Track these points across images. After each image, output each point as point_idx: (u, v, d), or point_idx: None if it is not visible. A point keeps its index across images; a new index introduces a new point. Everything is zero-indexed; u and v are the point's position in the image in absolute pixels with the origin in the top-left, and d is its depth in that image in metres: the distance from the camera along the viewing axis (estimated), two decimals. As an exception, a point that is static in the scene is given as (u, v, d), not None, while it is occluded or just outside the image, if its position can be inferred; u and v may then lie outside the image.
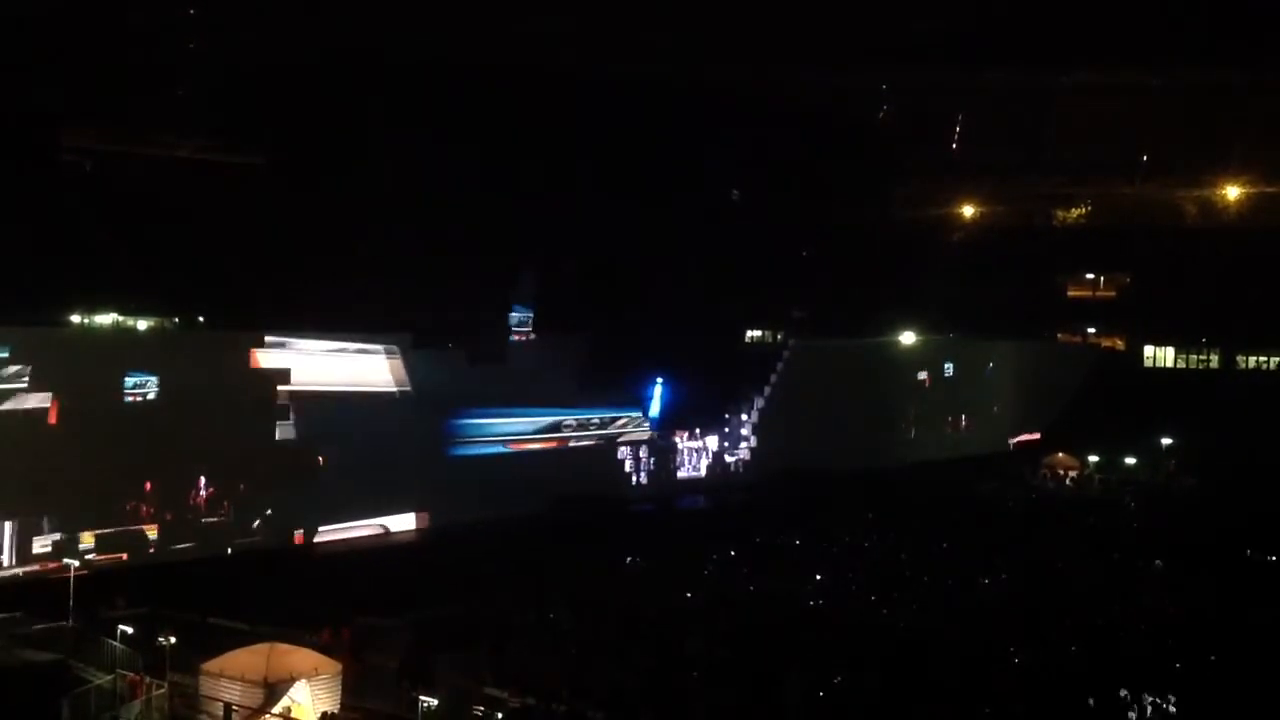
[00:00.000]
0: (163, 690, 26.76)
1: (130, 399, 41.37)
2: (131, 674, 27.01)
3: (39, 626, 29.92)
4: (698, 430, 61.73)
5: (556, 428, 56.37)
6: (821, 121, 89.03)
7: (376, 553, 43.01)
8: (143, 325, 50.67)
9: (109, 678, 26.74)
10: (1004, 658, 32.48)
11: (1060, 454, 73.99)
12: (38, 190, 53.07)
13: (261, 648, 27.00)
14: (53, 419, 39.29)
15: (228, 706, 25.91)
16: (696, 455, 61.53)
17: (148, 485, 41.25)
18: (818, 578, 42.30)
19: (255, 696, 25.89)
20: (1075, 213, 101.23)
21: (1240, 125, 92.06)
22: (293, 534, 45.22)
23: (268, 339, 45.55)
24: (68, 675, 26.76)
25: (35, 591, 33.16)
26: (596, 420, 58.16)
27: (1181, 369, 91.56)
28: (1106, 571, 44.56)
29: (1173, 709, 28.50)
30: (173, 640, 27.72)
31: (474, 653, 31.60)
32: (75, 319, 48.20)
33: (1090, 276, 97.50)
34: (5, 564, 38.03)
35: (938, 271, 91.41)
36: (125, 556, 40.18)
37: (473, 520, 48.30)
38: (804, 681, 29.64)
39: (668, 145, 75.96)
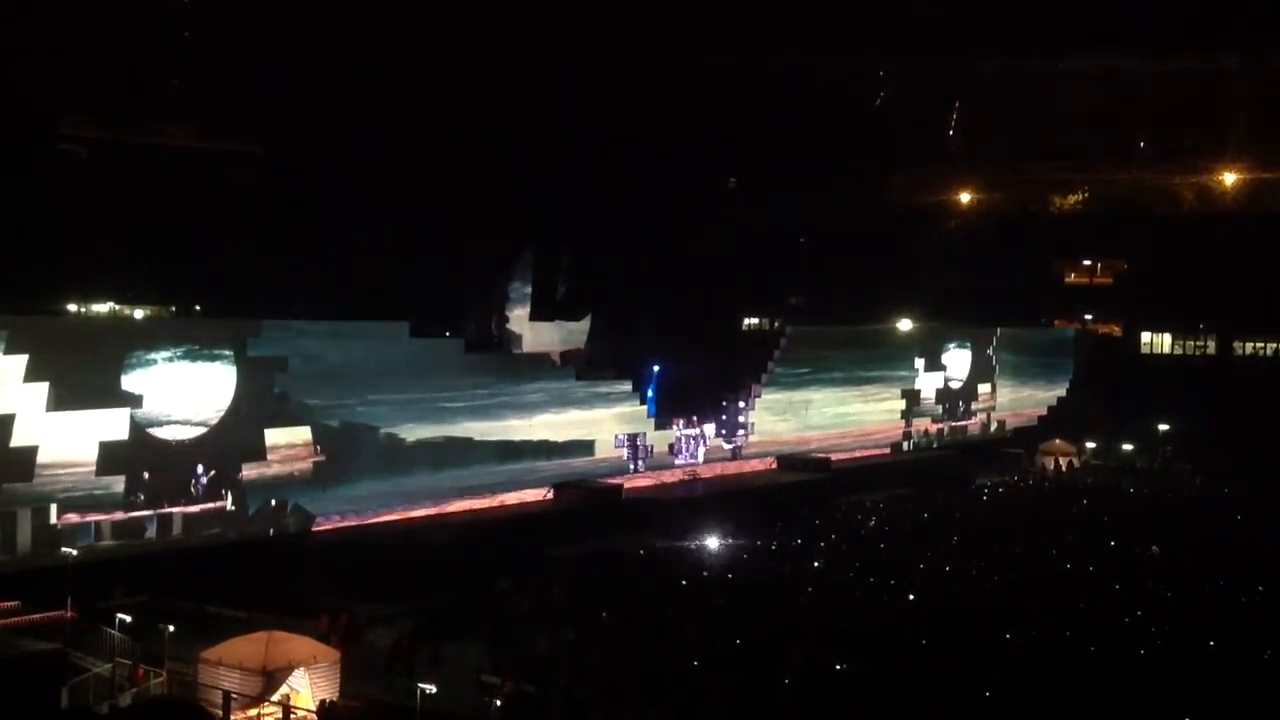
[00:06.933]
0: (161, 679, 26.82)
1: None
2: (130, 662, 27.05)
3: (37, 615, 29.91)
4: (694, 418, 61.65)
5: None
6: (818, 106, 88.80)
7: (375, 540, 42.93)
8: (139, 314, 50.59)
9: (107, 666, 26.76)
10: (1000, 642, 32.55)
11: (1057, 440, 74.22)
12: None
13: (260, 636, 27.02)
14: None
15: (226, 695, 25.95)
16: (694, 443, 61.42)
17: (146, 474, 41.13)
18: (815, 564, 42.46)
19: (254, 685, 25.94)
20: (1072, 199, 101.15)
21: (1238, 110, 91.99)
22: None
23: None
24: (66, 664, 26.75)
25: (33, 580, 33.07)
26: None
27: (1179, 355, 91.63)
28: (1103, 557, 44.67)
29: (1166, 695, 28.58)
30: (171, 629, 27.76)
31: (472, 640, 31.69)
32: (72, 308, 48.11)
33: (1087, 263, 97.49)
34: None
35: (935, 258, 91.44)
36: (123, 544, 40.09)
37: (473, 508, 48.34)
38: (803, 666, 29.70)
39: (664, 132, 75.79)
